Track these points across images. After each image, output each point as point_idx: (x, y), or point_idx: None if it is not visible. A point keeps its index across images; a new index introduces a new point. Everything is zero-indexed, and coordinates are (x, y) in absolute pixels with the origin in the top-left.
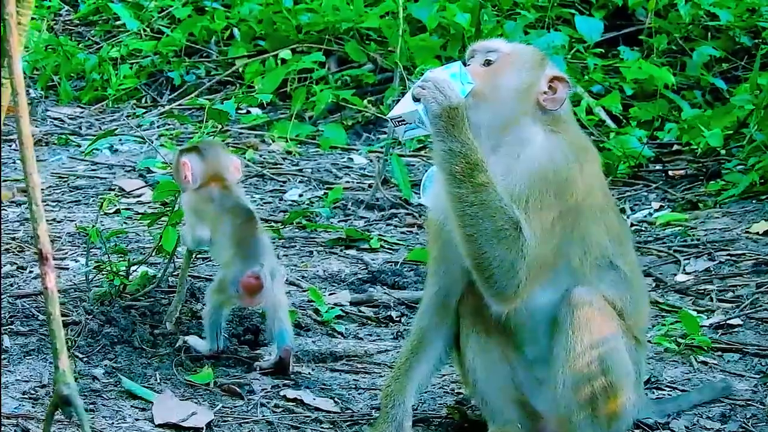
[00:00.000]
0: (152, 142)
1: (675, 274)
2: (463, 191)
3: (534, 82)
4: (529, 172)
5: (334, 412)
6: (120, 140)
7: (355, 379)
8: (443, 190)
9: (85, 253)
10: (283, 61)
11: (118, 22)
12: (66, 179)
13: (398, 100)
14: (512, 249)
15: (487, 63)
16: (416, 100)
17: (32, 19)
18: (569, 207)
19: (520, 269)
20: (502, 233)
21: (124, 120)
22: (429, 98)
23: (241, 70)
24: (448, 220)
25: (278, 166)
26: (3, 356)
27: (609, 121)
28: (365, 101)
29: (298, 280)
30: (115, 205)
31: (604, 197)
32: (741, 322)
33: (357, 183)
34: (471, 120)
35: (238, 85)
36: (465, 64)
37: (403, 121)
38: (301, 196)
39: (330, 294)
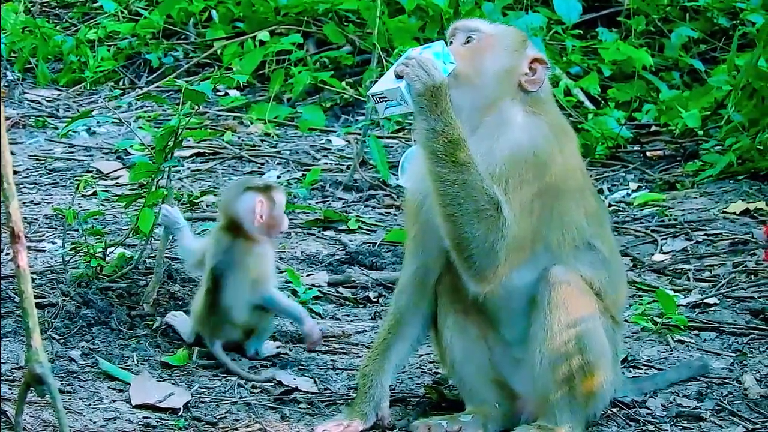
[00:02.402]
0: (130, 124)
1: (652, 254)
2: (444, 170)
3: (516, 64)
4: (510, 153)
5: (312, 393)
6: (98, 122)
7: (332, 360)
8: (425, 168)
9: (62, 235)
10: (262, 42)
11: (95, 4)
12: (43, 162)
13: (376, 81)
14: (492, 229)
15: (468, 42)
16: (399, 77)
17: (9, 0)
18: (548, 187)
19: (500, 250)
20: (482, 213)
21: (101, 102)
22: (412, 76)
23: (219, 52)
24: (429, 199)
25: (256, 148)
26: None
27: (587, 103)
28: (343, 83)
29: (276, 261)
30: (93, 187)
31: (582, 178)
32: (717, 301)
33: (335, 164)
34: (452, 100)
35: (216, 67)
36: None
37: (385, 97)
38: (279, 177)
39: (308, 275)
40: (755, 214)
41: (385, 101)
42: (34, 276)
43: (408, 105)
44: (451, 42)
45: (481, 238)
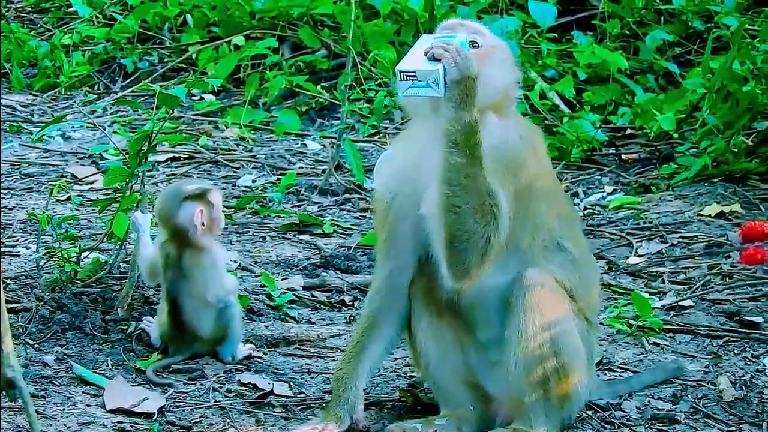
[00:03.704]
0: (104, 129)
1: (627, 257)
2: (462, 161)
3: (515, 81)
4: (493, 153)
5: (287, 396)
6: (72, 127)
7: (308, 364)
8: (440, 158)
9: (36, 239)
10: (237, 47)
11: (70, 9)
12: (18, 167)
13: (351, 86)
14: (490, 224)
15: (473, 45)
16: (434, 60)
17: None
18: (523, 187)
19: (493, 246)
20: (485, 208)
21: (76, 107)
22: (451, 62)
23: (194, 56)
24: (398, 199)
25: (232, 152)
26: None
27: (562, 106)
28: (319, 87)
29: (251, 265)
30: (67, 192)
31: (552, 179)
32: (692, 304)
33: (310, 168)
34: None
35: (191, 71)
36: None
37: (414, 76)
38: (254, 181)
39: (283, 279)
40: (730, 217)
41: (413, 80)
42: (9, 281)
43: (438, 90)
44: (446, 34)
45: (479, 233)
